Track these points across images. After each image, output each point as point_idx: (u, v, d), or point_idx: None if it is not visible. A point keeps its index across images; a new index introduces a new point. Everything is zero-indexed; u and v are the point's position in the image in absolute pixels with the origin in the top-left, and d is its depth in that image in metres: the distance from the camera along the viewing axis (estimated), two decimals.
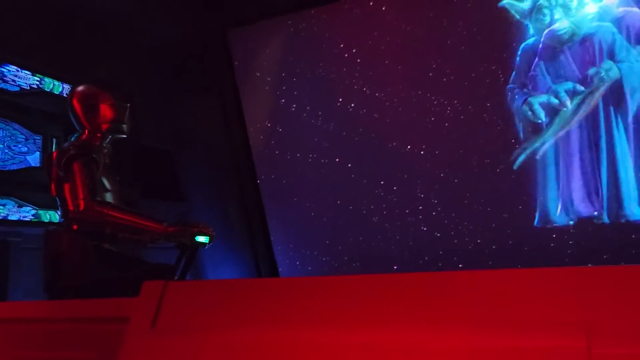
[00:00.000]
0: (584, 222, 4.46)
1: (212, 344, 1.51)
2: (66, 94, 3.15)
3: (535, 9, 4.57)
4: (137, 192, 4.90)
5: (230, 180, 5.80)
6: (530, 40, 4.62)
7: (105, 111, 2.95)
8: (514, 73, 4.66)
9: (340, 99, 5.24)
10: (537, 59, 4.60)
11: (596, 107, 4.42)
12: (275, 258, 5.61)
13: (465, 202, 4.81)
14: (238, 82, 5.66)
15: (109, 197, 2.90)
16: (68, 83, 4.50)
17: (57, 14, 4.48)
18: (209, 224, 2.80)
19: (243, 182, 5.74)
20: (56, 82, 4.57)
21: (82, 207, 2.71)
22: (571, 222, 4.50)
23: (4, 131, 4.25)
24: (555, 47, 4.53)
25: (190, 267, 2.85)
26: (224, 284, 1.91)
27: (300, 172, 5.45)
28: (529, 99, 4.60)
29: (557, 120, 4.50)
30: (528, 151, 4.60)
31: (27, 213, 4.27)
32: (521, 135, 4.66)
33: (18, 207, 4.22)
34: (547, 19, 4.55)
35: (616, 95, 4.35)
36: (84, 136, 2.96)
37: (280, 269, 5.58)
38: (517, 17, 4.63)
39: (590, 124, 4.45)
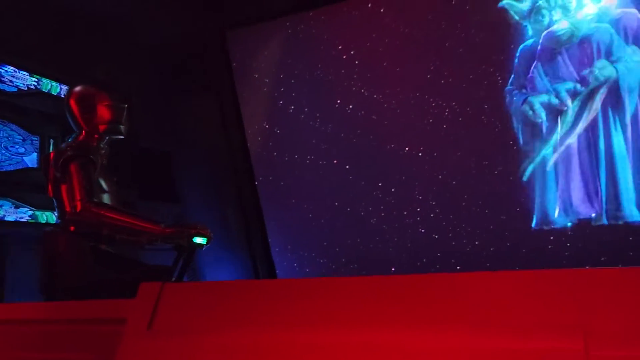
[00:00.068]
0: (581, 224, 4.47)
1: (210, 345, 1.51)
2: (64, 95, 3.14)
3: (535, 10, 4.58)
4: (135, 193, 4.89)
5: (228, 181, 5.79)
6: (529, 42, 4.62)
7: (103, 112, 2.95)
8: (512, 75, 4.67)
9: (339, 101, 5.24)
10: (535, 60, 4.60)
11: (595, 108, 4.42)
12: (273, 260, 5.60)
13: (463, 204, 4.81)
14: (236, 84, 5.66)
15: (106, 198, 2.90)
16: (66, 84, 4.50)
17: (55, 14, 4.48)
18: (206, 226, 2.80)
19: (241, 184, 5.74)
20: (54, 83, 4.57)
21: (79, 208, 2.70)
22: (569, 224, 4.50)
23: (1, 132, 4.24)
24: (553, 48, 4.53)
25: (187, 269, 2.85)
26: (222, 285, 1.90)
27: (298, 174, 5.44)
28: (530, 98, 4.60)
29: (561, 126, 4.49)
30: (537, 160, 4.59)
31: (24, 214, 4.26)
32: (520, 136, 4.66)
33: (15, 208, 4.21)
34: (546, 20, 4.55)
35: (614, 95, 4.35)
36: (81, 137, 2.96)
37: (277, 271, 5.58)
38: (516, 17, 4.63)
39: (589, 124, 4.45)
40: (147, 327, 1.62)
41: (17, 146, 4.35)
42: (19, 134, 4.38)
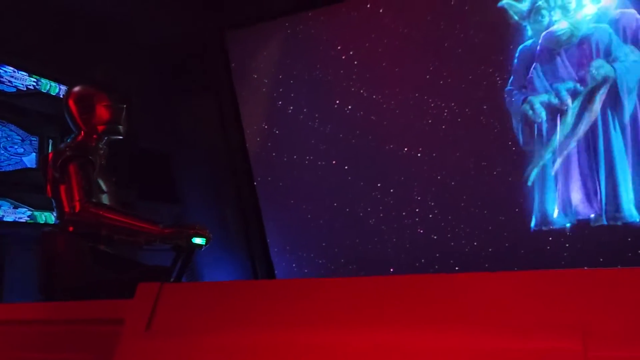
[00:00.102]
0: (580, 225, 4.47)
1: (208, 346, 1.50)
2: (63, 95, 3.15)
3: (534, 11, 4.58)
4: (134, 194, 4.89)
5: (227, 182, 5.79)
6: (528, 42, 4.63)
7: (101, 112, 2.95)
8: (512, 76, 4.67)
9: (338, 101, 5.24)
10: (534, 61, 4.60)
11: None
12: (272, 260, 5.60)
13: (462, 205, 4.81)
14: (235, 84, 5.66)
15: (105, 198, 2.90)
16: (65, 84, 4.49)
17: (54, 14, 4.47)
18: (205, 226, 2.79)
19: (240, 184, 5.73)
20: (53, 84, 4.56)
21: (77, 208, 2.70)
22: (569, 225, 4.50)
23: (0, 132, 4.24)
24: (552, 49, 4.54)
25: (186, 269, 2.85)
26: (220, 285, 1.90)
27: (297, 174, 5.44)
28: (530, 97, 4.61)
29: (561, 128, 4.49)
30: (536, 161, 4.59)
31: (22, 214, 4.25)
32: (520, 137, 4.66)
33: (14, 208, 4.21)
34: (546, 20, 4.56)
35: (613, 95, 4.36)
36: (80, 137, 2.96)
37: (276, 271, 5.57)
38: (516, 18, 4.63)
39: (588, 125, 4.46)
40: (145, 328, 1.62)
41: (16, 146, 4.34)
42: (18, 134, 4.37)
